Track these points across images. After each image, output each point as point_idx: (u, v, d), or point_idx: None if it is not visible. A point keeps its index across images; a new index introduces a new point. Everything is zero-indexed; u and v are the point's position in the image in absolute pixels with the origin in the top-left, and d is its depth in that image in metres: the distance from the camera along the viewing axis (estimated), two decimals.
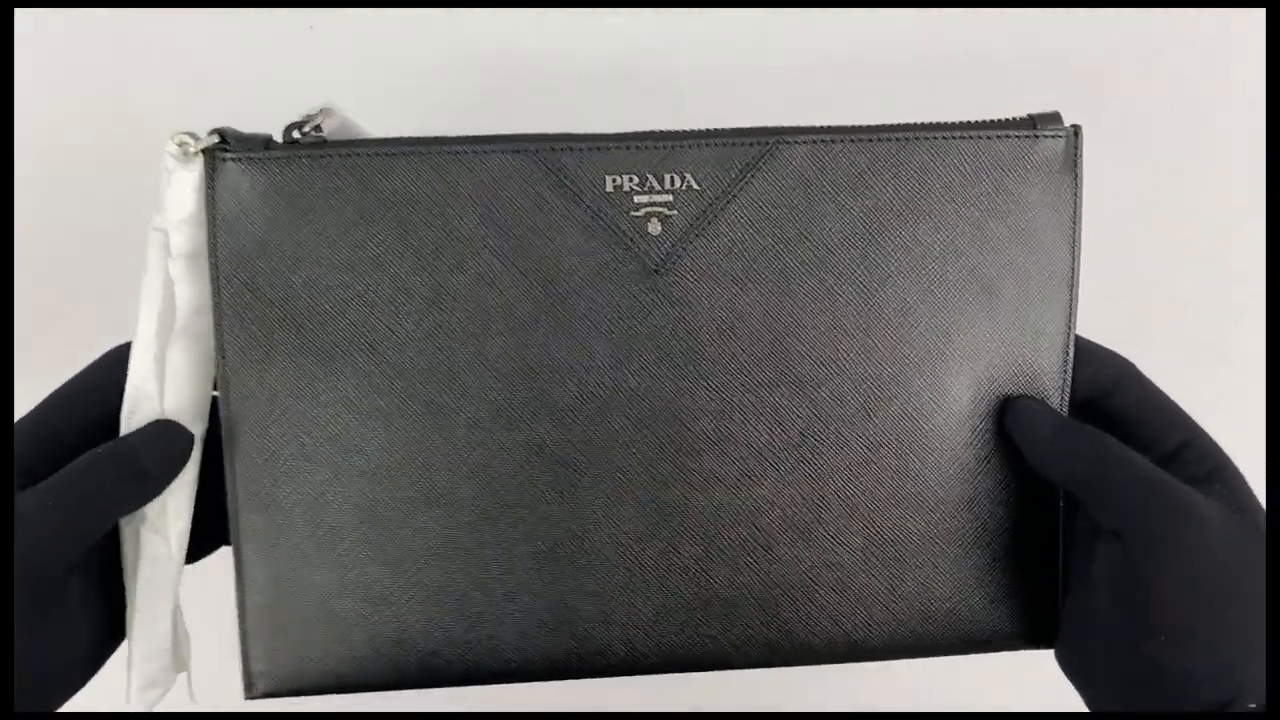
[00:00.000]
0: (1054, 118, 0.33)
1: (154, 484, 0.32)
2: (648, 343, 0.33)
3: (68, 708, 0.31)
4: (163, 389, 0.33)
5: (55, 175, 0.46)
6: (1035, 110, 0.34)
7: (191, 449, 0.33)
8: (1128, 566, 0.31)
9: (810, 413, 0.33)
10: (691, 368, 0.33)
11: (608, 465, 0.33)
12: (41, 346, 0.46)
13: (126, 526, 0.33)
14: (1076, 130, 0.33)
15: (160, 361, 0.33)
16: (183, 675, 0.35)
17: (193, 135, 0.32)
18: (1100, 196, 0.40)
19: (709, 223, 0.33)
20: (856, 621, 0.34)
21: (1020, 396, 0.34)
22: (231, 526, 0.34)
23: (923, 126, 0.33)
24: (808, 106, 0.40)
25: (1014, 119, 0.34)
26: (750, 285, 0.33)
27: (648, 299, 0.33)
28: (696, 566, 0.34)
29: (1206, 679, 0.29)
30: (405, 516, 0.33)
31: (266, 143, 0.32)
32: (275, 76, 0.44)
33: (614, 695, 0.51)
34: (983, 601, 0.35)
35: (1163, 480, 0.31)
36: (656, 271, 0.33)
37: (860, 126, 0.33)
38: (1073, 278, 0.34)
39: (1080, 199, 0.34)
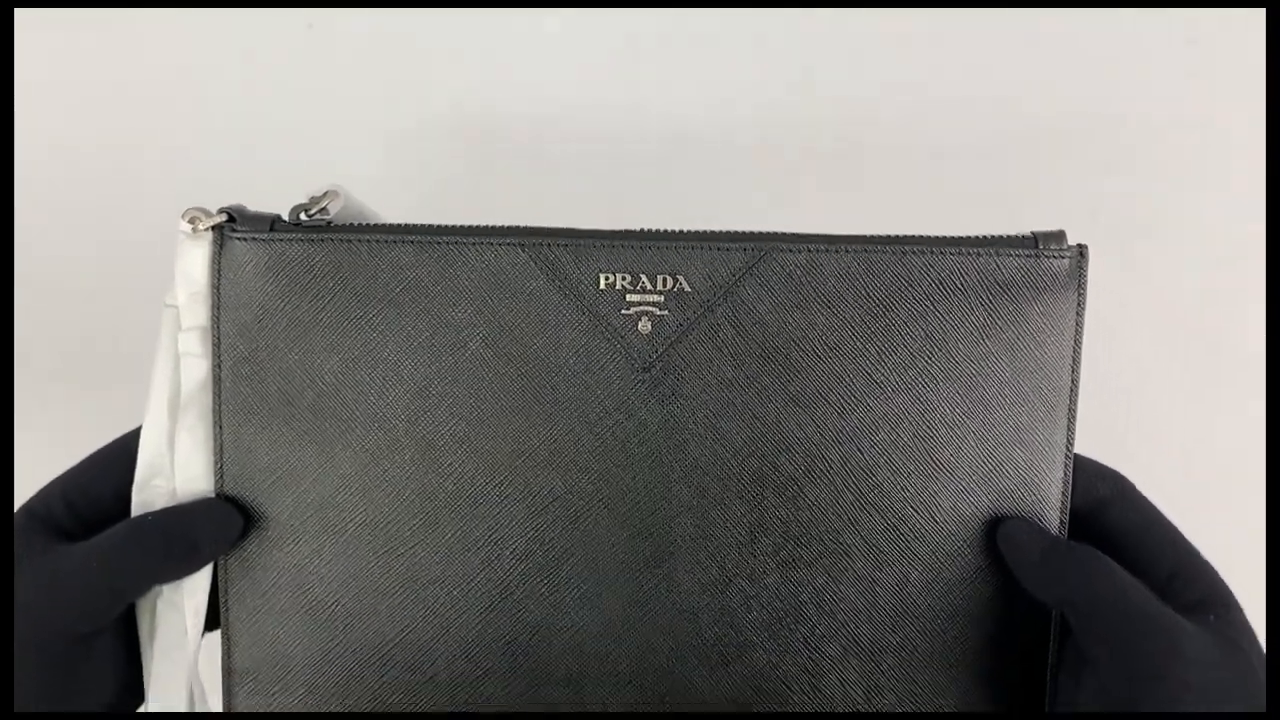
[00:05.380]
0: (1058, 236, 0.33)
1: (200, 561, 0.33)
2: (633, 438, 0.33)
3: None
4: (173, 465, 0.34)
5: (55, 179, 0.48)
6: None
7: (239, 533, 0.33)
8: (1112, 698, 0.30)
9: (790, 517, 0.33)
10: (676, 466, 0.33)
11: (586, 556, 0.33)
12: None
13: (143, 598, 0.33)
14: (1082, 250, 0.33)
15: (171, 438, 0.34)
16: None
17: (203, 211, 0.33)
18: (1101, 199, 0.44)
19: (698, 324, 0.33)
20: None
21: (1012, 516, 0.33)
22: (220, 587, 0.34)
23: (921, 240, 0.33)
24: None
25: (1017, 236, 0.33)
26: (737, 388, 0.33)
27: (636, 395, 0.33)
28: (670, 664, 0.34)
29: None
30: (384, 592, 0.34)
31: (273, 223, 0.33)
32: (274, 75, 0.46)
33: None
34: None
35: (1152, 612, 0.30)
36: (645, 369, 0.33)
37: (855, 236, 0.33)
38: (1072, 396, 0.33)
39: (1083, 319, 0.33)
